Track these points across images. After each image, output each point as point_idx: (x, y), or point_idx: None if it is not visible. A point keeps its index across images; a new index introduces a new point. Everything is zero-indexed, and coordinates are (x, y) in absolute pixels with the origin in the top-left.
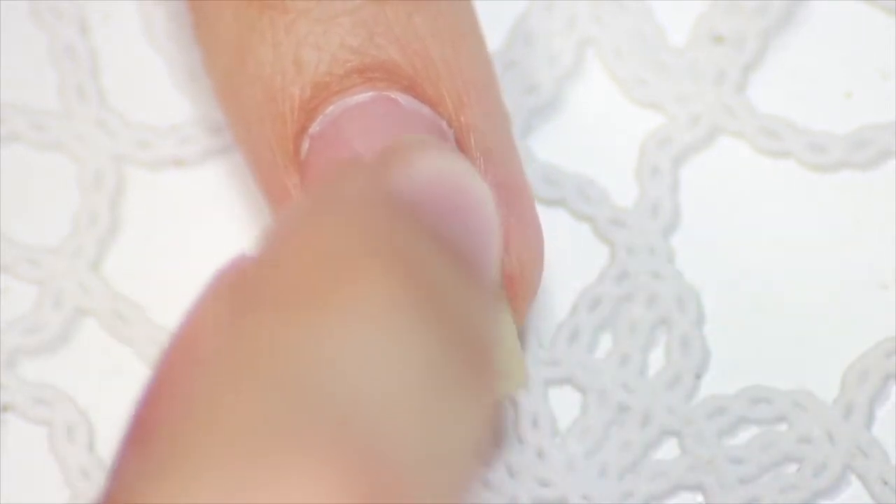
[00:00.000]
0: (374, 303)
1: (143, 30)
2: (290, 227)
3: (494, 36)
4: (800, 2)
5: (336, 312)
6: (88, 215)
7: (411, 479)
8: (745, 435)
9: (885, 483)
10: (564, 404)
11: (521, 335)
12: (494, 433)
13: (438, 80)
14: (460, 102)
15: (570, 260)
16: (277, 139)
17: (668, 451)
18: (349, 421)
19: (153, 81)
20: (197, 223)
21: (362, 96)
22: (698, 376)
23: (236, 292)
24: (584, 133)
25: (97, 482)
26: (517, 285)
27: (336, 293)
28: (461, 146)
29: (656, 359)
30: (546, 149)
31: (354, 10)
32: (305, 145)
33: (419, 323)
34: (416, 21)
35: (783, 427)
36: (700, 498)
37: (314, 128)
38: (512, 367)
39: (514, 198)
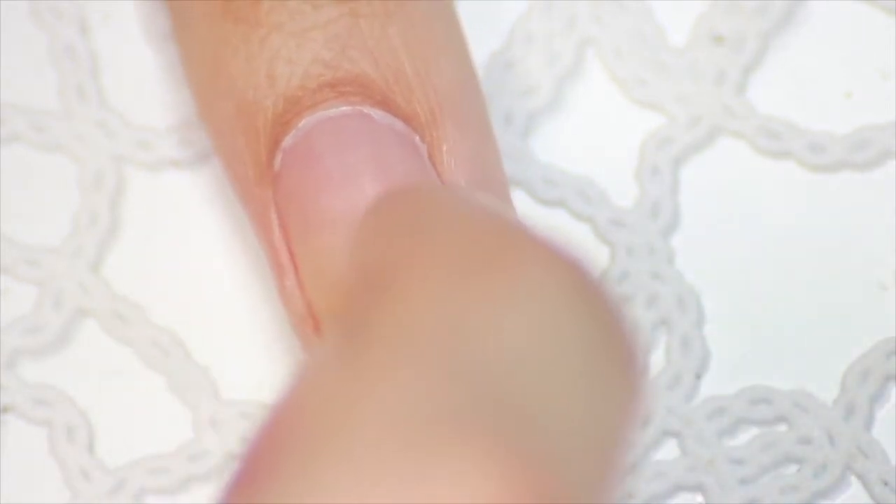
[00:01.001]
0: (540, 284)
1: (143, 30)
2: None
3: (494, 36)
4: (800, 2)
5: (499, 289)
6: (88, 216)
7: (571, 474)
8: (745, 435)
9: (886, 484)
10: None
11: None
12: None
13: (411, 94)
14: (433, 117)
15: None
16: (250, 153)
17: (668, 451)
18: (517, 409)
19: (153, 81)
20: (197, 223)
21: (335, 111)
22: (698, 377)
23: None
24: (584, 133)
25: (97, 483)
26: None
27: (498, 270)
28: (433, 161)
29: (656, 359)
30: (546, 149)
31: (328, 24)
32: (278, 159)
33: (584, 308)
34: (390, 35)
35: (783, 428)
36: (700, 498)
37: (287, 141)
38: None
39: None
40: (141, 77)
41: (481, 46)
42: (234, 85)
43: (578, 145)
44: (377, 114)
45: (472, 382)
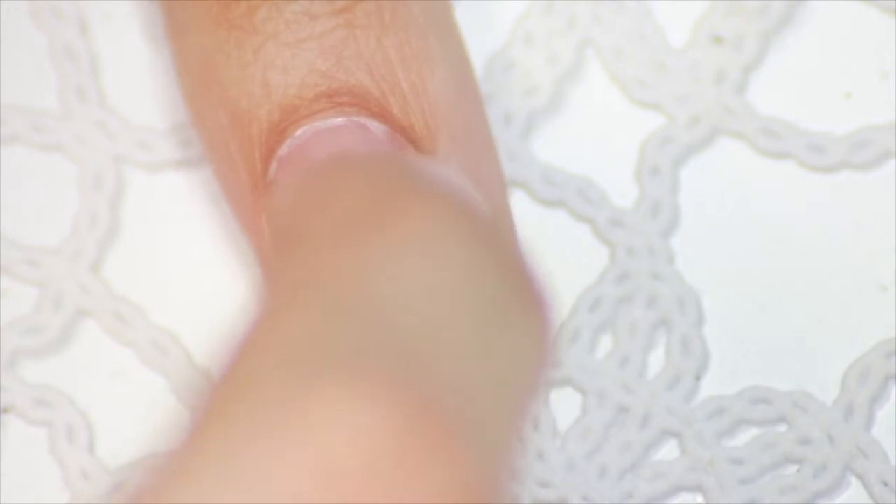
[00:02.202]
0: (434, 231)
1: (143, 30)
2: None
3: (494, 36)
4: (800, 2)
5: (397, 238)
6: (88, 217)
7: (461, 404)
8: (745, 436)
9: (885, 484)
10: (564, 405)
11: None
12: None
13: (407, 105)
14: (428, 128)
15: (570, 260)
16: (244, 160)
17: (668, 451)
18: (403, 345)
19: (153, 81)
20: (197, 223)
21: (332, 121)
22: (698, 377)
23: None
24: (584, 133)
25: (97, 483)
26: None
27: (395, 221)
28: None
29: (656, 360)
30: (546, 149)
31: (324, 35)
32: (273, 167)
33: (479, 251)
34: (385, 47)
35: (783, 428)
36: (700, 499)
37: (283, 150)
38: None
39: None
40: (141, 77)
41: (481, 47)
42: (226, 93)
43: (578, 145)
44: (373, 124)
45: (361, 324)
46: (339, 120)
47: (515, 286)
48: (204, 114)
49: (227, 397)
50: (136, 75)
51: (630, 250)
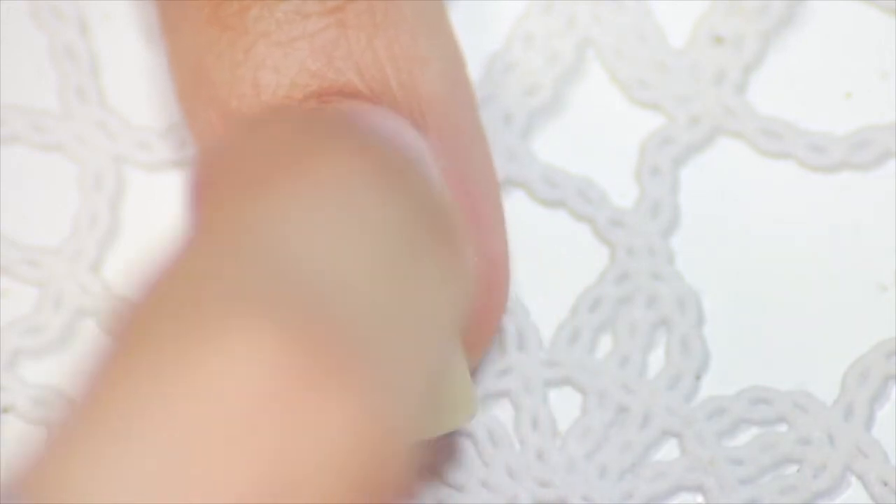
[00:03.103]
0: (332, 171)
1: (143, 30)
2: (246, 126)
3: (494, 36)
4: (800, 2)
5: (294, 182)
6: (89, 216)
7: (362, 338)
8: (745, 436)
9: (885, 484)
10: (564, 405)
11: (521, 339)
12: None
13: (397, 105)
14: (417, 129)
15: (570, 260)
16: None
17: (668, 451)
18: (298, 284)
19: (153, 81)
20: None
21: None
22: (698, 377)
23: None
24: (584, 133)
25: None
26: (476, 317)
27: (305, 168)
28: None
29: (656, 360)
30: (546, 149)
31: (315, 35)
32: None
33: (388, 190)
34: (376, 47)
35: (783, 428)
36: (700, 499)
37: None
38: (461, 398)
39: (476, 224)
40: (141, 77)
41: (481, 47)
42: (217, 93)
43: (578, 145)
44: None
45: (259, 265)
46: None
47: (430, 221)
48: (195, 113)
49: (128, 342)
50: (136, 75)
51: (630, 250)
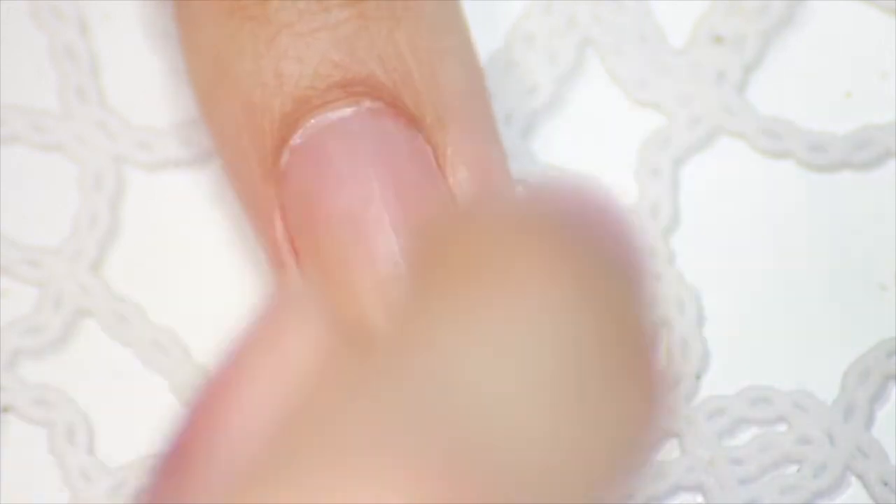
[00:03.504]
0: (530, 294)
1: (143, 30)
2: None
3: (494, 36)
4: (800, 2)
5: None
6: (88, 216)
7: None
8: (745, 435)
9: (885, 484)
10: None
11: None
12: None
13: (418, 97)
14: (439, 120)
15: None
16: (256, 151)
17: (668, 451)
18: (456, 432)
19: (153, 81)
20: (197, 223)
21: (345, 111)
22: (698, 377)
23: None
24: (584, 133)
25: (97, 483)
26: None
27: (498, 283)
28: (439, 164)
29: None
30: (546, 149)
31: (337, 26)
32: (285, 157)
33: (577, 307)
34: (398, 39)
35: (783, 428)
36: (700, 498)
37: (295, 140)
38: None
39: None
40: (141, 77)
41: (481, 46)
42: (239, 84)
43: (578, 145)
44: (386, 115)
45: (412, 401)
46: (351, 109)
47: (617, 341)
48: (215, 105)
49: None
50: (136, 75)
51: None
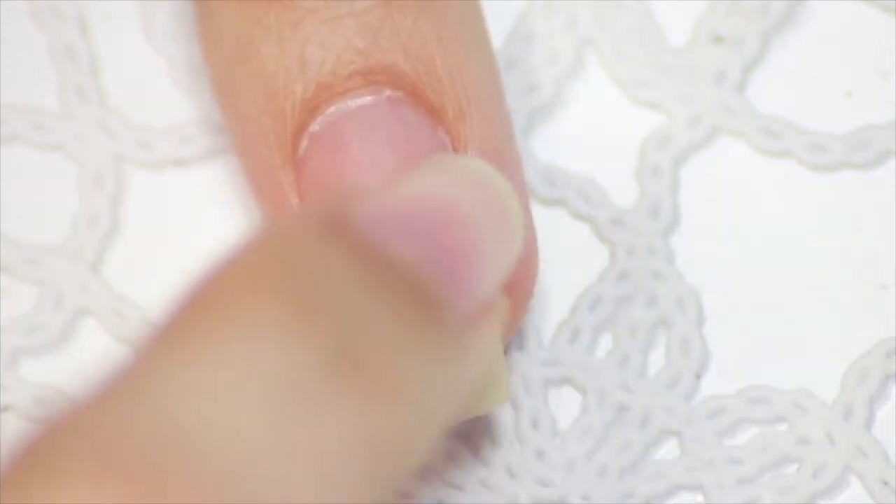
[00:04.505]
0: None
1: (143, 30)
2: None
3: (494, 36)
4: (800, 2)
5: (206, 339)
6: (88, 216)
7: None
8: (745, 435)
9: (885, 483)
10: (564, 405)
11: (521, 339)
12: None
13: (441, 87)
14: (460, 111)
15: (570, 260)
16: (276, 136)
17: (668, 451)
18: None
19: (153, 81)
20: (197, 223)
21: (365, 99)
22: (698, 376)
23: None
24: (584, 133)
25: None
26: (506, 299)
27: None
28: None
29: (656, 359)
30: (546, 149)
31: (362, 13)
32: (304, 143)
33: (288, 336)
34: (422, 28)
35: (783, 427)
36: (700, 498)
37: (314, 127)
38: (494, 382)
39: None
40: (141, 77)
41: None
42: (263, 67)
43: (578, 145)
44: (406, 104)
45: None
46: (371, 98)
47: (337, 373)
48: (236, 88)
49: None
50: (136, 75)
51: (630, 250)
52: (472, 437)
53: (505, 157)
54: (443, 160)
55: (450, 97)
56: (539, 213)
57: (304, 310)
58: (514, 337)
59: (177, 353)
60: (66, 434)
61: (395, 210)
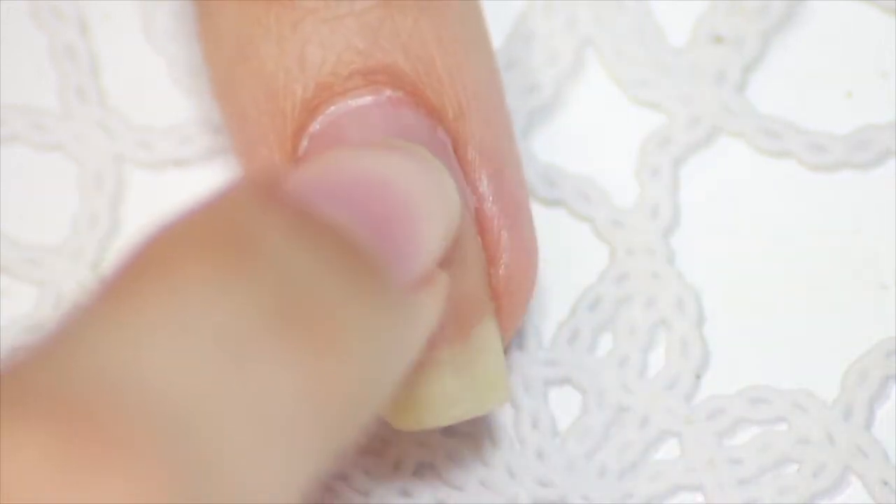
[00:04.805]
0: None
1: (143, 30)
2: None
3: (494, 36)
4: (800, 2)
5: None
6: (88, 216)
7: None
8: (745, 435)
9: (885, 484)
10: (564, 405)
11: (521, 339)
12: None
13: (440, 87)
14: (460, 112)
15: (569, 260)
16: (276, 136)
17: (668, 451)
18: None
19: (153, 81)
20: None
21: (365, 99)
22: (698, 377)
23: None
24: (584, 133)
25: None
26: (502, 301)
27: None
28: (458, 154)
29: (656, 359)
30: (546, 149)
31: (362, 13)
32: (304, 144)
33: (216, 290)
34: (422, 28)
35: (783, 427)
36: (700, 498)
37: (314, 127)
38: (494, 381)
39: (510, 209)
40: (141, 77)
41: None
42: (263, 67)
43: (578, 145)
44: (406, 105)
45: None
46: (371, 98)
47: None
48: (235, 87)
49: None
50: (136, 75)
51: (630, 250)
52: (472, 437)
53: (505, 156)
54: (372, 141)
55: (449, 97)
56: (539, 213)
57: (242, 267)
58: (514, 337)
59: (114, 312)
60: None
61: (328, 179)
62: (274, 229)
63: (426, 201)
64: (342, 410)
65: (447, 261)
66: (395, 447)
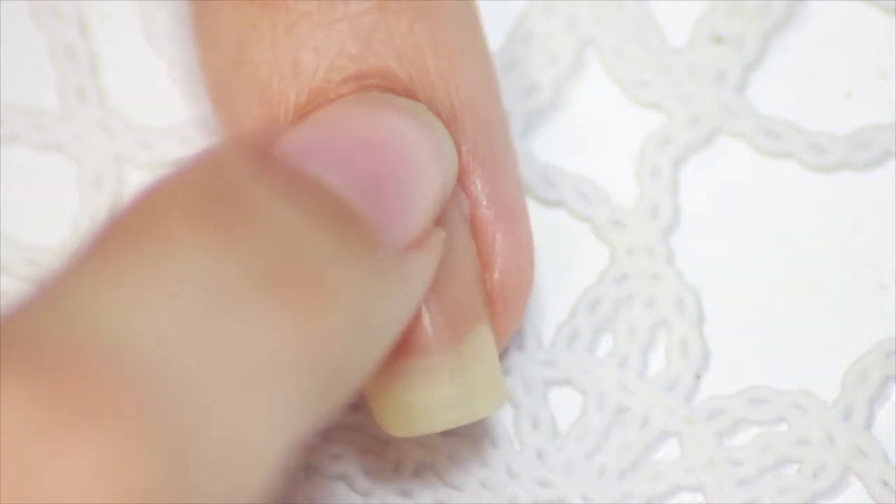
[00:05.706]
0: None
1: (143, 30)
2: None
3: (494, 36)
4: (800, 2)
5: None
6: (88, 216)
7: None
8: (745, 436)
9: (885, 484)
10: (564, 405)
11: (521, 339)
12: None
13: (434, 91)
14: (453, 115)
15: (569, 261)
16: None
17: (668, 452)
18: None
19: (153, 81)
20: None
21: None
22: (698, 377)
23: None
24: (584, 133)
25: None
26: (497, 306)
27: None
28: None
29: (656, 360)
30: (546, 149)
31: (356, 17)
32: None
33: (206, 248)
34: (416, 32)
35: (783, 428)
36: (700, 499)
37: None
38: (489, 387)
39: (505, 213)
40: (141, 77)
41: None
42: (257, 72)
43: (578, 145)
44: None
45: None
46: None
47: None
48: (231, 92)
49: None
50: (136, 75)
51: (630, 250)
52: (472, 437)
53: (499, 159)
54: (368, 96)
55: (442, 101)
56: (539, 214)
57: (231, 227)
58: (513, 338)
59: (104, 269)
60: None
61: (322, 139)
62: (264, 190)
63: (421, 160)
64: (330, 367)
65: (440, 266)
66: (395, 448)
